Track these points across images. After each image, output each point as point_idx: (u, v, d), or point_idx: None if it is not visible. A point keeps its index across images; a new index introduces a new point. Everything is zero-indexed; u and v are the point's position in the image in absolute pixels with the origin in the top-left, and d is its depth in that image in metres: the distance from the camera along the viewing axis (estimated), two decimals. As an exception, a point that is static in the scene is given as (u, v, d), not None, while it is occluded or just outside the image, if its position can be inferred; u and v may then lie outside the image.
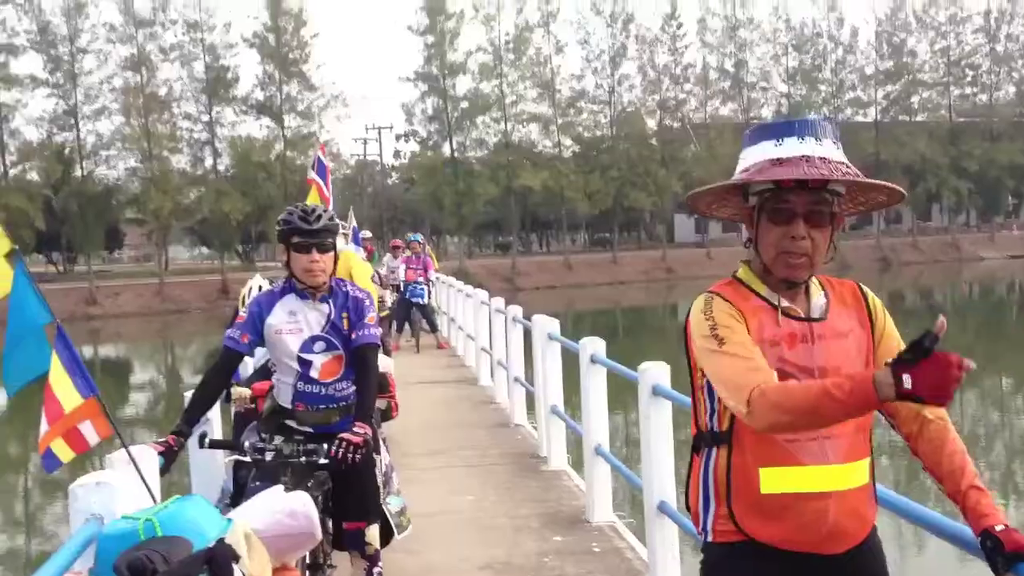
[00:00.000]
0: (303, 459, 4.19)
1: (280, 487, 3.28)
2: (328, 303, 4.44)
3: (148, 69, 56.81)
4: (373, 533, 4.61)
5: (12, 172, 54.54)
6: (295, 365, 4.41)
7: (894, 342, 2.51)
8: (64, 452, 3.42)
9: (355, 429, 4.21)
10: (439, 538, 6.61)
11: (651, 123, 67.91)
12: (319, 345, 4.42)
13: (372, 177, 75.29)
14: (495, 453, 9.11)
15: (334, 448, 4.12)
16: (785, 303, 2.47)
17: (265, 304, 4.46)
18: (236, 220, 55.70)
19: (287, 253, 4.37)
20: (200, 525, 2.93)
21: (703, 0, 67.94)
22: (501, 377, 11.82)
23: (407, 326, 17.51)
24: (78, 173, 55.12)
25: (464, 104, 62.92)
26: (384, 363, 9.51)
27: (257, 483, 4.30)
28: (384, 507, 5.17)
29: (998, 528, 2.24)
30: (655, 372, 5.42)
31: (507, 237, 72.62)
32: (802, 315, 2.47)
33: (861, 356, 2.48)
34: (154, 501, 3.38)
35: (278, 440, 4.40)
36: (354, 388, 4.48)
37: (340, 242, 8.93)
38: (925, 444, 2.45)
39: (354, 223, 15.57)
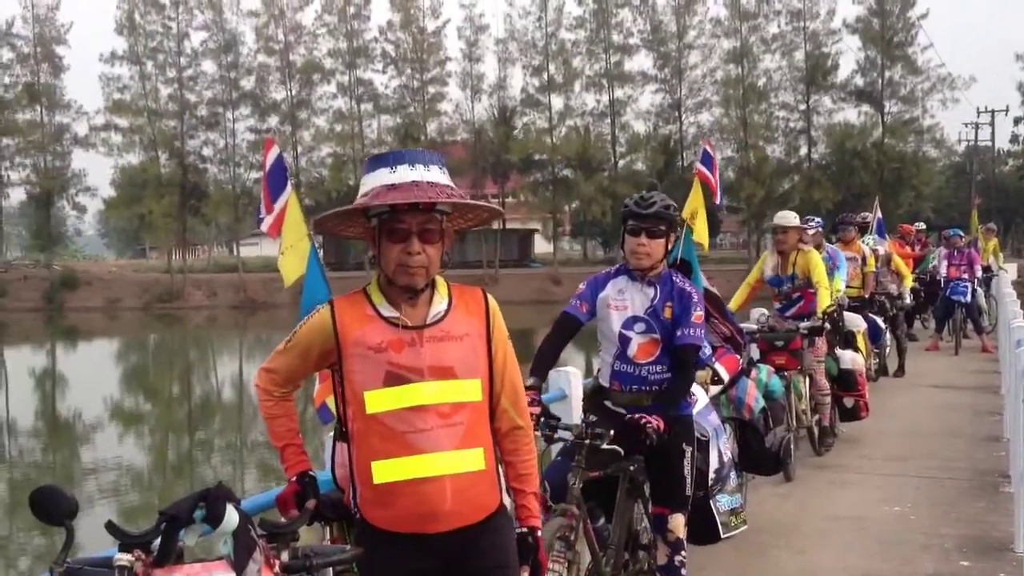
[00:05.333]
0: (586, 441, 4.32)
1: None
2: (655, 288, 4.54)
3: (749, 61, 58.55)
4: (676, 522, 4.57)
5: (621, 163, 59.67)
6: (616, 341, 4.58)
7: (501, 347, 2.84)
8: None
9: (652, 421, 4.27)
10: (836, 543, 6.27)
11: None
12: (639, 326, 4.54)
13: (984, 164, 69.65)
14: (961, 467, 8.21)
15: (640, 425, 4.22)
16: (391, 313, 2.72)
17: (602, 280, 4.70)
18: (827, 209, 55.16)
19: (623, 235, 4.56)
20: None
21: None
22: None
23: (948, 326, 16.25)
24: (679, 163, 58.60)
25: (1099, 80, 55.83)
26: (852, 360, 9.14)
27: (559, 458, 4.57)
28: (712, 504, 5.11)
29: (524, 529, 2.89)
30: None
31: None
32: (408, 323, 2.70)
33: (478, 356, 2.77)
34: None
35: (589, 419, 4.57)
36: (668, 374, 4.53)
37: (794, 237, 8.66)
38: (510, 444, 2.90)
39: (879, 214, 14.85)
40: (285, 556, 2.30)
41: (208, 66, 61.73)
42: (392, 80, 61.18)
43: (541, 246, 67.96)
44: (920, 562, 5.88)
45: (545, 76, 59.48)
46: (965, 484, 7.68)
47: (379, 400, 2.66)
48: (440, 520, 2.66)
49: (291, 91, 61.23)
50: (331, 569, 2.99)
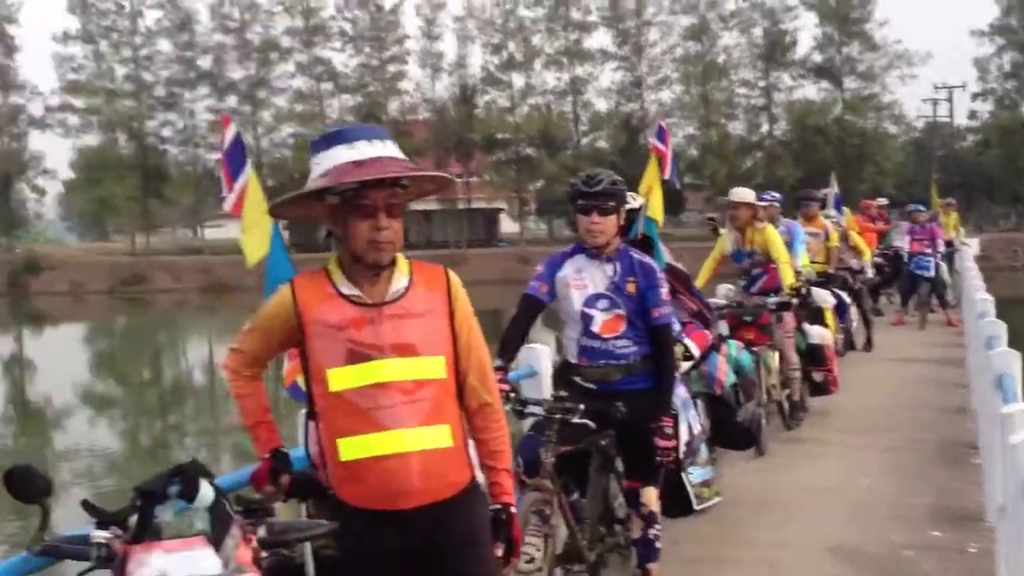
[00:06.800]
0: (557, 416, 4.31)
1: None
2: (614, 264, 4.53)
3: (708, 38, 58.76)
4: (649, 495, 4.57)
5: (583, 141, 59.71)
6: (578, 319, 4.57)
7: (465, 324, 2.83)
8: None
9: (664, 429, 4.39)
10: (807, 515, 6.32)
11: None
12: (602, 303, 4.53)
13: (944, 140, 70.40)
14: (928, 439, 8.28)
15: (657, 457, 4.42)
16: (350, 291, 2.71)
17: (558, 260, 4.70)
18: (790, 185, 55.56)
19: (574, 215, 4.55)
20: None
21: None
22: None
23: (912, 300, 16.39)
24: (641, 141, 58.68)
25: (1050, 57, 56.73)
26: (820, 335, 9.20)
27: (531, 433, 4.55)
28: (684, 477, 5.12)
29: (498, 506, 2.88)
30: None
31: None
32: (368, 301, 2.70)
33: (441, 333, 2.76)
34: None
35: (559, 394, 4.56)
36: (635, 348, 4.52)
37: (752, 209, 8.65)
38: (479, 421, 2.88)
39: (835, 189, 14.96)
40: (262, 531, 2.29)
41: (164, 45, 61.09)
42: (351, 58, 60.94)
43: (507, 225, 67.91)
44: (891, 532, 5.92)
45: (505, 54, 59.31)
46: (932, 455, 7.76)
47: (342, 378, 2.66)
48: (408, 497, 2.66)
49: (249, 70, 60.60)
50: (308, 544, 2.96)
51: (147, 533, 2.07)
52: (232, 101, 60.78)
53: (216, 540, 2.09)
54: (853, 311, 12.95)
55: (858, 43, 58.10)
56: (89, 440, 17.57)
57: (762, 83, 59.46)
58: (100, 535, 2.08)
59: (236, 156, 4.21)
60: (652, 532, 4.61)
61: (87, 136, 60.86)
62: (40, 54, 62.44)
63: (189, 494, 2.13)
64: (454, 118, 59.10)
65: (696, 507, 5.16)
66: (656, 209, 6.86)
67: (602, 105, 61.16)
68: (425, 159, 59.24)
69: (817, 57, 59.20)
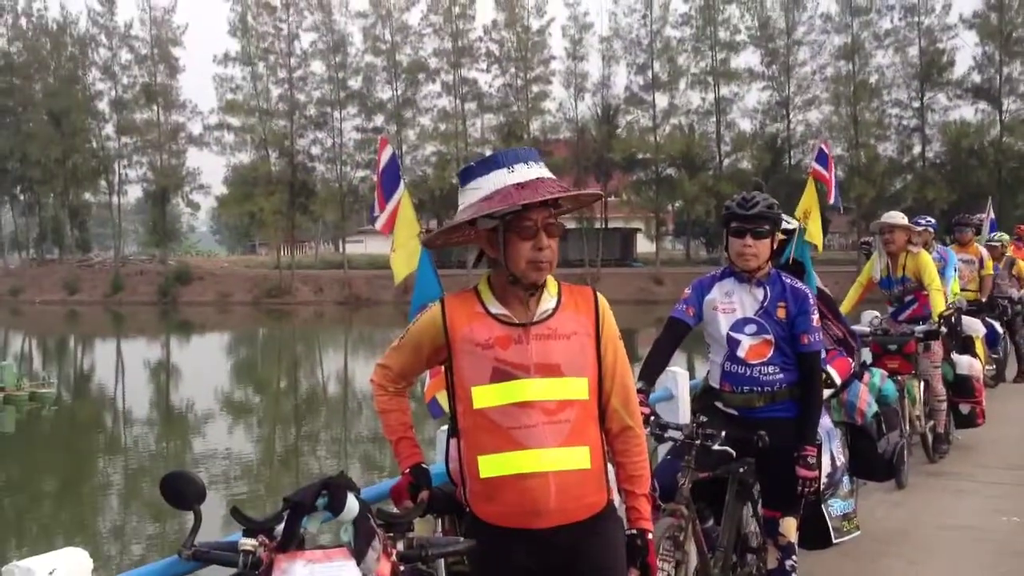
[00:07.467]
0: (697, 442, 4.28)
1: None
2: (764, 288, 4.46)
3: (860, 57, 57.29)
4: (788, 525, 4.49)
5: (726, 161, 58.90)
6: (724, 343, 4.51)
7: (611, 346, 2.82)
8: (446, 402, 3.99)
9: (808, 459, 4.26)
10: (949, 553, 6.06)
11: None
12: (750, 327, 4.44)
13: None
14: (1087, 477, 7.92)
15: (799, 488, 4.27)
16: (499, 310, 2.75)
17: (707, 283, 4.64)
18: (941, 209, 53.61)
19: (726, 238, 4.51)
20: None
21: None
22: None
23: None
24: (786, 162, 57.61)
25: None
26: (969, 365, 8.86)
27: (668, 457, 4.53)
28: (824, 508, 5.01)
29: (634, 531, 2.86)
30: None
31: None
32: (516, 321, 2.73)
33: (587, 355, 2.77)
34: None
35: (700, 419, 4.53)
36: (781, 375, 4.43)
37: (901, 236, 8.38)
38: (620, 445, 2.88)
39: (992, 214, 14.35)
40: (401, 545, 2.35)
41: (317, 67, 63.26)
42: (496, 79, 61.75)
43: (643, 245, 67.54)
44: (1039, 575, 5.66)
45: (649, 74, 59.16)
46: (1091, 495, 7.37)
47: (485, 396, 2.69)
48: (544, 517, 2.67)
49: (397, 90, 62.14)
50: (442, 560, 3.03)
51: (293, 543, 2.16)
52: (379, 120, 62.47)
53: (358, 552, 2.16)
54: (1007, 341, 12.42)
55: (1020, 62, 55.64)
56: (227, 445, 18.25)
57: (916, 103, 57.56)
58: (248, 543, 2.16)
59: (391, 176, 4.34)
60: (789, 563, 4.52)
61: (240, 153, 63.49)
62: (201, 75, 65.47)
63: (336, 507, 2.21)
64: (594, 137, 59.21)
65: (834, 540, 5.04)
66: (815, 234, 6.72)
67: (746, 125, 60.44)
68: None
69: (976, 77, 57.03)
